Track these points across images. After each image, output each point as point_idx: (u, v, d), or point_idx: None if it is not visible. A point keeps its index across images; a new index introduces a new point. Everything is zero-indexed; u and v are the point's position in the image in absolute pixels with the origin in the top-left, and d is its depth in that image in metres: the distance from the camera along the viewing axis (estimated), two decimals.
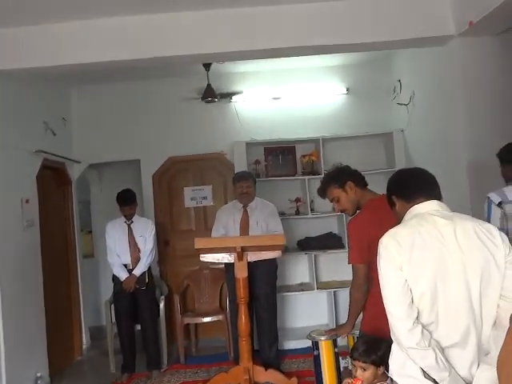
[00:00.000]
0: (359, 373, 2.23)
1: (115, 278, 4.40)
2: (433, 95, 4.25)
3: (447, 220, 1.81)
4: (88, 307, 5.34)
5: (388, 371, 1.94)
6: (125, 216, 4.42)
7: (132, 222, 4.45)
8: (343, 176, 2.74)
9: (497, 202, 2.67)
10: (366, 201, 2.70)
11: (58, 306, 4.67)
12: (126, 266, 4.38)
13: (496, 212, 2.64)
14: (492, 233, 1.80)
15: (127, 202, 4.35)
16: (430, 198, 1.91)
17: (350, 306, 2.69)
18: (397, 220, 2.01)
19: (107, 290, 5.24)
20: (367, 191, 2.75)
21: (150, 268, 4.47)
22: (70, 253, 5.09)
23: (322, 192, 2.84)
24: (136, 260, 4.39)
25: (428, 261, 1.76)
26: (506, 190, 2.73)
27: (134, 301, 4.39)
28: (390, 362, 1.87)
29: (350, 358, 2.31)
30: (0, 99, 3.74)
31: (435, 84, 4.18)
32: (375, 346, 2.21)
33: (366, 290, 2.55)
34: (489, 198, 2.72)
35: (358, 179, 2.74)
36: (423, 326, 1.73)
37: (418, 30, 3.59)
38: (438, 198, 1.94)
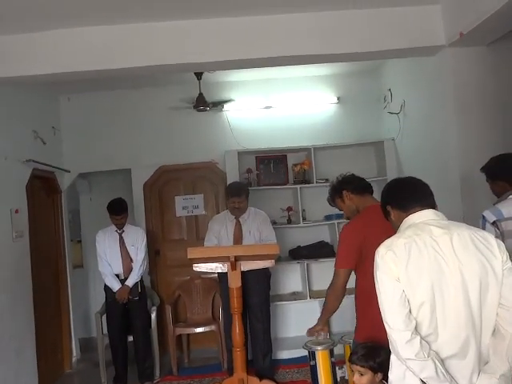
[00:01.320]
0: (356, 377, 2.22)
1: (107, 288, 4.34)
2: (424, 104, 4.28)
3: (443, 229, 1.81)
4: (77, 318, 5.27)
5: (386, 381, 1.92)
6: (116, 225, 4.38)
7: (123, 231, 4.41)
8: (340, 185, 2.85)
9: (491, 221, 2.57)
10: (363, 207, 2.75)
11: (48, 318, 4.60)
12: (117, 275, 4.33)
13: (490, 231, 2.57)
14: (488, 241, 1.80)
15: (118, 211, 4.31)
16: (425, 206, 1.92)
17: (323, 306, 2.78)
18: (392, 229, 2.01)
19: (97, 301, 5.19)
20: (367, 198, 2.79)
21: (142, 278, 4.42)
22: (59, 263, 5.03)
23: (330, 203, 2.99)
24: (128, 269, 4.34)
25: (425, 271, 1.76)
26: (500, 206, 2.62)
27: (126, 311, 4.34)
28: (390, 373, 1.86)
29: (349, 361, 2.30)
30: None
31: (426, 93, 4.21)
32: (374, 351, 2.20)
33: (342, 295, 2.64)
34: (484, 216, 2.62)
35: (354, 187, 2.80)
36: (422, 337, 1.72)
37: (409, 40, 3.62)
38: (433, 206, 1.95)
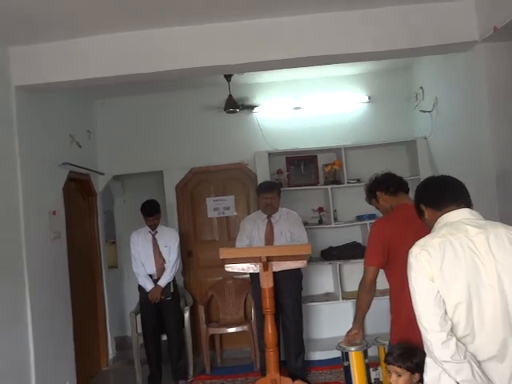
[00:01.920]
0: (393, 378, 2.19)
1: (141, 288, 4.43)
2: (457, 102, 4.20)
3: (479, 228, 1.78)
4: (113, 317, 5.38)
5: (422, 383, 1.90)
6: (149, 226, 4.46)
7: (156, 232, 4.49)
8: (373, 186, 2.87)
9: None
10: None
11: (85, 317, 4.72)
12: (151, 276, 4.41)
13: None
14: None
15: (151, 212, 4.39)
16: (460, 206, 1.89)
17: (356, 307, 2.79)
18: (423, 229, 1.99)
19: (131, 301, 5.30)
20: (401, 197, 2.78)
21: (174, 278, 4.49)
22: (95, 263, 5.15)
23: (368, 203, 3.01)
24: (161, 270, 4.41)
25: (460, 271, 1.73)
26: None
27: (160, 311, 4.41)
28: (425, 375, 1.84)
29: (385, 362, 2.28)
30: (28, 113, 3.82)
31: (459, 90, 4.13)
32: (411, 352, 2.18)
33: (371, 292, 2.67)
34: None
35: (387, 187, 2.80)
36: (458, 339, 1.69)
37: (442, 36, 3.55)
38: (469, 205, 1.91)
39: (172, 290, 4.41)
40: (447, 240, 1.77)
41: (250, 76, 5.06)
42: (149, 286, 4.35)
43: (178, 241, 4.54)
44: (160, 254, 4.45)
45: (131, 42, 3.59)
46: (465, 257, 1.74)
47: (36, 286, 3.66)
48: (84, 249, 4.97)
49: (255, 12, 3.46)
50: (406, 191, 2.86)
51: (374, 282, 2.66)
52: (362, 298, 2.71)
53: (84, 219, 5.08)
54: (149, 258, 4.43)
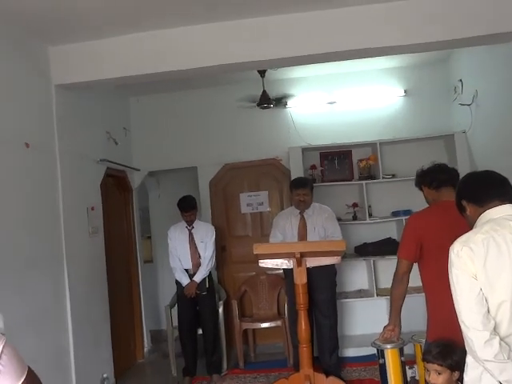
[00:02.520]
0: (433, 376, 2.15)
1: (178, 282, 4.48)
2: (498, 94, 4.06)
3: None
4: (148, 311, 5.48)
5: (461, 383, 1.85)
6: (186, 221, 4.51)
7: (193, 227, 4.53)
8: (418, 179, 2.84)
9: None
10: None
11: (121, 310, 4.83)
12: (187, 270, 4.46)
13: None
14: None
15: (187, 208, 4.44)
16: (504, 201, 1.83)
17: (390, 301, 2.78)
18: (461, 227, 1.93)
19: (166, 295, 5.38)
20: (444, 193, 2.68)
21: (210, 273, 4.53)
22: (131, 258, 5.26)
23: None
24: (197, 265, 4.46)
25: (504, 268, 1.68)
26: None
27: (196, 305, 4.46)
28: (465, 374, 1.80)
29: (423, 361, 2.24)
30: (66, 111, 3.92)
31: (500, 83, 3.99)
32: (450, 349, 2.13)
33: (403, 283, 2.65)
34: None
35: (431, 181, 2.74)
36: (501, 338, 1.64)
37: (482, 26, 3.42)
38: None
39: (207, 285, 4.45)
40: (490, 236, 1.72)
41: (284, 71, 5.04)
42: (185, 280, 4.41)
43: (214, 236, 4.57)
44: (196, 249, 4.49)
45: (164, 39, 3.63)
46: (509, 254, 1.69)
47: (75, 279, 3.77)
48: (121, 243, 5.07)
49: (292, 5, 3.42)
50: (453, 186, 2.75)
51: (406, 274, 2.64)
52: (395, 290, 2.71)
53: (121, 214, 5.18)
54: (185, 253, 4.48)
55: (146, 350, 5.31)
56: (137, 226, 5.41)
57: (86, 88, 4.05)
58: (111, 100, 5.02)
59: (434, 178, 2.74)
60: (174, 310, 4.67)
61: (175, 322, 4.62)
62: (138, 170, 5.41)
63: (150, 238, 6.31)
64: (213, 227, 4.68)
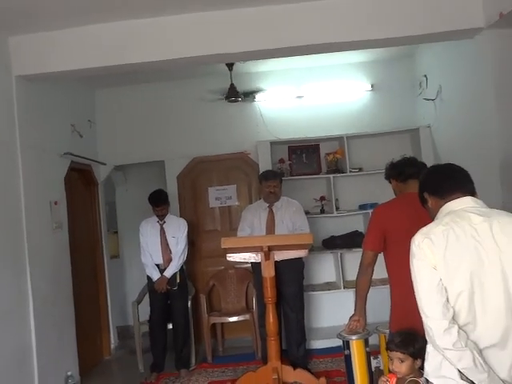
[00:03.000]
0: (396, 364, 2.20)
1: (149, 278, 4.44)
2: (462, 90, 4.15)
3: (483, 217, 1.77)
4: (114, 307, 5.40)
5: (423, 370, 1.89)
6: (157, 216, 4.45)
7: (164, 222, 4.47)
8: (387, 171, 2.90)
9: None
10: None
11: (87, 306, 4.74)
12: (158, 266, 4.41)
13: None
14: None
15: (158, 202, 4.38)
16: (464, 194, 1.87)
17: (355, 291, 2.86)
18: (424, 218, 1.97)
19: (133, 290, 5.32)
20: (411, 185, 2.70)
21: (182, 268, 4.49)
22: (97, 253, 5.16)
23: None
24: (168, 260, 4.41)
25: (463, 259, 1.72)
26: None
27: (167, 300, 4.42)
28: (426, 363, 1.83)
29: (387, 349, 2.28)
30: (28, 103, 3.80)
31: (464, 78, 4.08)
32: (412, 337, 2.18)
33: (367, 274, 2.74)
34: None
35: (398, 174, 2.79)
36: (460, 327, 1.68)
37: (446, 22, 3.49)
38: (473, 194, 1.89)
39: (178, 280, 4.40)
40: (450, 228, 1.75)
41: (252, 65, 5.02)
42: (155, 275, 4.36)
43: (186, 230, 4.52)
44: (167, 244, 4.44)
45: (130, 30, 3.55)
46: (468, 245, 1.72)
47: (38, 276, 3.67)
48: (86, 239, 4.97)
49: (256, 0, 3.40)
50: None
51: (371, 265, 2.71)
52: (359, 280, 2.77)
53: (86, 209, 5.08)
54: (156, 248, 4.42)
55: (112, 346, 5.23)
56: (103, 220, 5.31)
57: (48, 79, 3.93)
58: (75, 92, 4.89)
59: (402, 170, 2.79)
60: (142, 306, 4.62)
61: (142, 318, 4.57)
62: (104, 163, 5.30)
63: (116, 232, 6.20)
64: (185, 221, 4.63)
